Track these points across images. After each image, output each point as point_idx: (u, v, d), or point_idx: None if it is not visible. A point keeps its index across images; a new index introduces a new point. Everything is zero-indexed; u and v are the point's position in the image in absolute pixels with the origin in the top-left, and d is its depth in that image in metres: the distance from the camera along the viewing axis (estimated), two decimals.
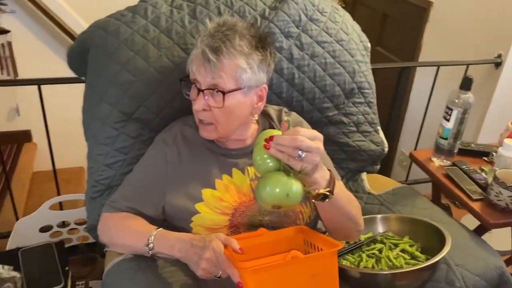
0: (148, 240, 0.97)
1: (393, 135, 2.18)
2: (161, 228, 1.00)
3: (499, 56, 1.99)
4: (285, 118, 0.84)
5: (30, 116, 2.75)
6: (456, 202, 2.22)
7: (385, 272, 1.03)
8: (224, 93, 0.98)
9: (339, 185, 0.98)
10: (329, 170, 0.92)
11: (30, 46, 2.67)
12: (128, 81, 1.13)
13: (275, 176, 0.83)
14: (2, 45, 2.58)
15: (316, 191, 0.88)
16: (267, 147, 0.82)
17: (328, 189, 0.89)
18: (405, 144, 2.75)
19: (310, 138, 0.82)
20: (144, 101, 1.14)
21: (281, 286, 0.80)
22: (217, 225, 1.03)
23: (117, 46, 1.14)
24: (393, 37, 2.83)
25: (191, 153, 1.08)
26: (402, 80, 1.94)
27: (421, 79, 2.57)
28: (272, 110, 1.17)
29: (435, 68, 1.97)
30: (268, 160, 0.84)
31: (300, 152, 0.80)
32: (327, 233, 1.10)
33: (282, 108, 1.20)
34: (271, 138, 0.82)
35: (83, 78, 1.33)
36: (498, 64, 1.99)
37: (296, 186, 0.82)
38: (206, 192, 1.05)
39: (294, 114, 1.21)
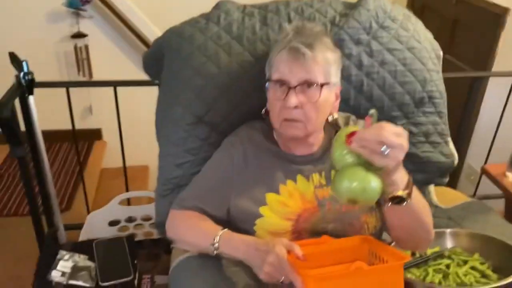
0: (214, 240, 1.00)
1: (461, 147, 2.08)
2: (226, 229, 1.02)
3: None
4: (371, 111, 0.82)
5: (101, 115, 2.91)
6: None
7: None
8: (322, 85, 1.00)
9: (415, 190, 0.95)
10: (408, 173, 0.89)
11: (105, 49, 2.83)
12: (200, 85, 1.17)
13: (354, 170, 0.81)
14: (80, 48, 2.75)
15: (394, 193, 0.86)
16: (349, 142, 0.80)
17: (407, 191, 0.86)
18: (473, 158, 2.62)
19: (395, 134, 0.79)
20: (214, 105, 1.18)
21: None
22: (281, 230, 1.04)
23: (191, 51, 1.18)
24: (464, 45, 2.70)
25: (257, 157, 1.10)
26: (474, 90, 1.86)
27: (494, 90, 2.44)
28: (340, 117, 1.17)
29: (510, 79, 1.87)
30: (347, 156, 0.82)
31: (384, 148, 0.78)
32: (393, 243, 1.07)
33: (350, 116, 1.19)
34: (353, 133, 0.80)
35: (156, 81, 1.40)
36: None
37: (374, 182, 0.80)
38: (270, 197, 1.06)
39: (361, 122, 1.20)
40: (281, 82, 1.01)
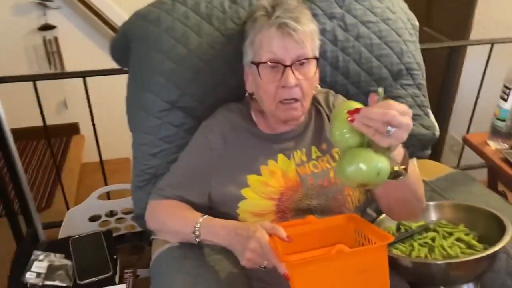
0: (195, 227, 0.97)
1: (442, 119, 2.08)
2: (206, 215, 0.99)
3: None
4: (379, 90, 0.77)
5: (77, 109, 2.84)
6: None
7: (439, 262, 0.97)
8: (317, 59, 0.99)
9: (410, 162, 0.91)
10: (403, 147, 0.86)
11: (76, 41, 2.74)
12: (171, 69, 1.12)
13: (363, 152, 0.76)
14: (49, 40, 2.66)
15: (393, 168, 0.81)
16: (352, 119, 0.74)
17: (404, 166, 0.83)
18: (455, 128, 2.63)
19: (402, 113, 0.75)
20: (187, 89, 1.14)
21: (327, 280, 0.77)
22: (264, 210, 1.02)
23: (159, 34, 1.13)
24: (442, 16, 2.69)
25: (236, 139, 1.07)
26: (452, 60, 1.84)
27: (472, 59, 2.43)
28: (319, 93, 1.14)
29: (488, 47, 1.85)
30: (348, 135, 0.77)
31: (389, 127, 0.73)
32: (378, 218, 1.06)
33: (329, 91, 1.17)
34: (356, 110, 0.74)
35: (126, 68, 1.35)
36: None
37: (386, 164, 0.75)
38: (251, 178, 1.04)
39: (340, 96, 1.17)
40: (274, 63, 0.98)
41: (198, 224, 0.98)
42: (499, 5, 2.21)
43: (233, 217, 1.03)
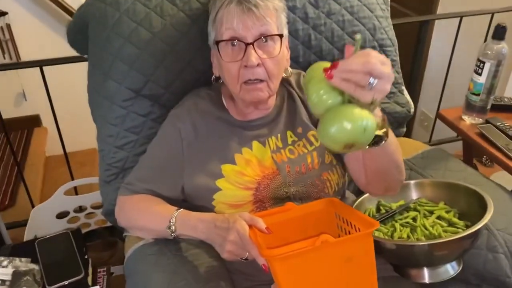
0: (170, 222, 0.93)
1: (413, 95, 2.07)
2: (182, 209, 0.94)
3: None
4: (357, 36, 0.69)
5: (37, 100, 2.70)
6: (484, 159, 2.13)
7: (422, 243, 0.95)
8: (281, 36, 0.93)
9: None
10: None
11: (30, 27, 2.59)
12: (133, 55, 1.05)
13: (345, 109, 0.69)
14: (1, 28, 2.50)
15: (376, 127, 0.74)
16: (329, 76, 0.67)
17: (384, 130, 0.77)
18: (425, 104, 2.64)
19: (382, 62, 0.67)
20: (151, 75, 1.06)
21: (312, 272, 0.73)
22: (241, 201, 0.97)
23: (118, 17, 1.05)
24: None
25: (207, 127, 1.02)
26: (422, 35, 1.83)
27: (440, 34, 2.43)
28: (291, 75, 1.09)
29: (455, 20, 1.84)
30: (326, 96, 0.70)
31: (371, 79, 0.66)
32: (361, 198, 1.05)
33: (301, 72, 1.12)
34: (333, 65, 0.67)
35: (86, 56, 1.26)
36: None
37: (371, 119, 0.68)
38: (226, 168, 0.99)
39: None
40: (235, 40, 0.91)
41: (173, 219, 0.93)
42: None
43: (209, 209, 0.98)
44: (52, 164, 2.72)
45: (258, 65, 0.91)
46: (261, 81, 0.94)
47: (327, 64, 0.69)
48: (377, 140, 0.76)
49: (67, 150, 1.72)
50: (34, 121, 2.83)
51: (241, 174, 0.98)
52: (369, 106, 0.69)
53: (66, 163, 1.73)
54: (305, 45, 1.20)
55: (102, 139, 1.12)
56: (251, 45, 0.91)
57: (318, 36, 1.20)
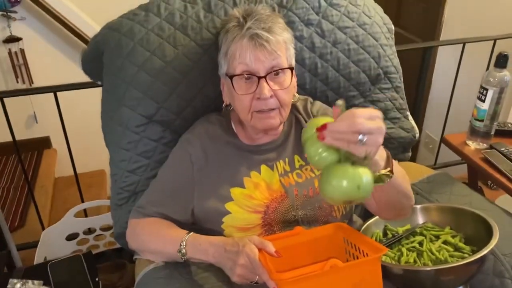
0: (180, 245, 0.94)
1: (417, 118, 2.10)
2: (192, 232, 0.96)
3: None
4: (339, 102, 0.74)
5: (48, 122, 2.75)
6: (489, 183, 2.14)
7: (429, 268, 0.97)
8: (292, 69, 0.98)
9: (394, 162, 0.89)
10: (384, 148, 0.83)
11: (43, 52, 2.66)
12: (146, 82, 1.09)
13: (339, 168, 0.73)
14: (15, 53, 2.56)
15: (377, 173, 0.79)
16: (322, 137, 0.72)
17: (389, 169, 0.80)
18: (430, 126, 2.67)
19: (370, 118, 0.71)
20: (164, 102, 1.10)
21: None
22: (250, 224, 0.99)
23: (132, 46, 1.09)
24: (412, 16, 2.73)
25: (217, 152, 1.05)
26: (426, 60, 1.86)
27: (443, 59, 2.48)
28: (299, 101, 1.13)
29: (459, 46, 1.88)
30: (325, 153, 0.74)
31: (361, 136, 0.70)
32: (368, 222, 1.06)
33: (307, 98, 1.15)
34: (323, 126, 0.72)
35: (99, 82, 1.30)
36: None
37: (366, 176, 0.72)
38: (235, 191, 1.01)
39: (318, 102, 1.16)
40: (248, 74, 0.95)
41: (184, 242, 0.94)
42: (467, 5, 2.26)
43: (218, 233, 1.00)
44: (61, 185, 2.75)
45: (270, 96, 0.95)
46: (273, 109, 0.97)
47: (320, 121, 0.74)
48: (382, 179, 0.80)
49: (77, 171, 1.74)
50: (44, 143, 2.87)
51: (250, 198, 1.00)
52: (365, 159, 0.73)
53: (74, 184, 1.75)
54: (312, 72, 1.23)
55: (115, 164, 1.15)
56: (264, 79, 0.94)
57: (325, 64, 1.23)
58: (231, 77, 0.97)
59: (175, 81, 1.10)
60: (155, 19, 1.13)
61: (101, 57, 1.16)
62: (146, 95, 1.09)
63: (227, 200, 1.00)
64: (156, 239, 1.01)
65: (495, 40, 1.87)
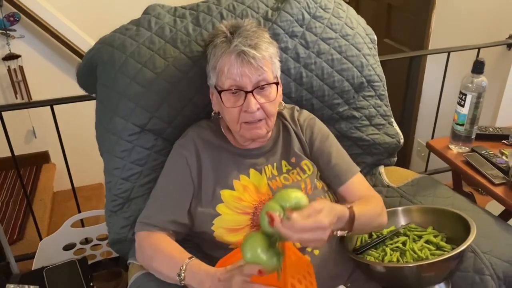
0: (180, 269, 0.94)
1: (408, 126, 2.15)
2: (193, 259, 0.96)
3: (511, 36, 1.95)
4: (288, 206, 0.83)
5: (46, 137, 2.80)
6: (480, 189, 2.18)
7: (410, 265, 1.01)
8: (277, 84, 1.03)
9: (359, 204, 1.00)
10: (348, 207, 0.94)
11: (41, 68, 2.72)
12: (138, 93, 1.13)
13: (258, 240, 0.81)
14: (14, 70, 2.62)
15: (335, 233, 0.93)
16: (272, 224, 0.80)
17: (346, 231, 0.94)
18: (422, 135, 2.71)
19: (311, 230, 0.79)
20: (155, 112, 1.15)
21: None
22: (239, 225, 1.03)
23: (125, 59, 1.15)
24: (401, 28, 2.79)
25: (208, 155, 1.09)
26: (412, 70, 1.92)
27: (433, 67, 2.53)
28: (285, 109, 1.18)
29: (446, 55, 1.94)
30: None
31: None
32: None
33: (294, 107, 1.20)
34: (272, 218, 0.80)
35: (94, 95, 1.35)
36: (510, 45, 1.95)
37: (274, 259, 0.81)
38: (225, 193, 1.05)
39: (305, 112, 1.21)
40: (236, 89, 1.00)
41: (184, 267, 0.94)
42: (453, 17, 2.32)
43: (209, 234, 1.04)
44: (60, 199, 2.78)
45: (257, 109, 1.00)
46: (260, 120, 1.03)
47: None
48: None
49: (74, 185, 1.78)
50: (43, 158, 2.92)
51: (239, 200, 1.04)
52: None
53: (72, 198, 1.79)
54: (297, 82, 1.28)
55: (109, 172, 1.19)
56: (251, 93, 0.99)
57: (309, 73, 1.29)
58: (219, 92, 1.02)
59: (166, 91, 1.15)
60: (146, 33, 1.18)
61: (95, 71, 1.21)
62: (138, 105, 1.14)
63: (218, 202, 1.04)
64: (159, 259, 1.01)
65: (479, 49, 1.93)
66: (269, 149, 1.13)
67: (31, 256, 1.76)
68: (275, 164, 1.11)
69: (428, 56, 2.47)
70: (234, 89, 1.00)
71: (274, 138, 1.15)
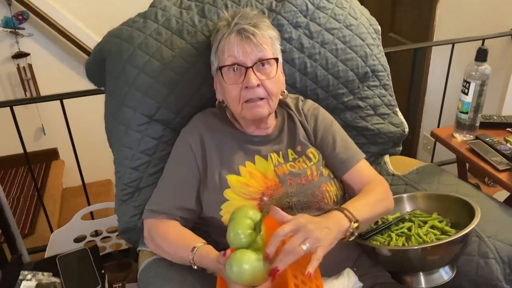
0: (189, 256, 0.97)
1: (414, 119, 2.16)
2: (201, 245, 0.98)
3: None
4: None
5: (55, 134, 2.84)
6: (486, 180, 2.19)
7: (415, 247, 1.02)
8: (277, 60, 1.05)
9: (360, 204, 1.01)
10: (346, 214, 0.95)
11: (50, 66, 2.76)
12: (147, 83, 1.16)
13: (245, 255, 0.83)
14: (24, 68, 2.66)
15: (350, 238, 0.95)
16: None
17: (351, 238, 0.94)
18: (427, 127, 2.72)
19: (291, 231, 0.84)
20: (163, 102, 1.17)
21: None
22: None
23: (133, 51, 1.17)
24: (405, 21, 2.80)
25: (214, 140, 1.11)
26: (416, 61, 1.93)
27: (438, 59, 2.54)
28: (289, 99, 1.19)
29: (450, 47, 1.95)
30: (242, 236, 0.85)
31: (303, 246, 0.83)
32: None
33: (299, 97, 1.22)
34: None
35: (103, 88, 1.38)
36: None
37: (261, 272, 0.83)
38: (231, 178, 1.06)
39: (309, 101, 1.22)
40: (236, 65, 1.03)
41: (195, 250, 0.97)
42: (457, 8, 2.33)
43: (217, 220, 1.05)
44: (69, 196, 2.82)
45: (258, 85, 1.02)
46: (261, 99, 1.04)
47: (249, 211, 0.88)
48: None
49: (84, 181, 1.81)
50: (52, 155, 2.96)
51: (246, 185, 1.06)
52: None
53: (81, 194, 1.82)
54: (302, 72, 1.30)
55: (119, 162, 1.21)
56: (251, 69, 1.02)
57: (314, 64, 1.30)
58: (220, 68, 1.05)
59: (174, 82, 1.17)
60: (153, 25, 1.21)
61: (103, 63, 1.24)
62: (147, 95, 1.16)
63: (225, 188, 1.06)
64: (170, 244, 1.03)
65: (483, 40, 1.94)
66: (275, 137, 1.15)
67: (43, 249, 1.79)
68: (280, 152, 1.13)
69: (433, 49, 2.47)
70: (235, 66, 1.03)
71: (280, 126, 1.16)
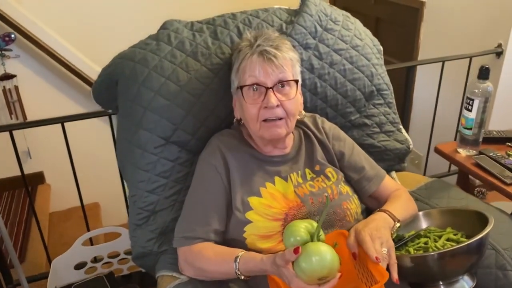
0: (234, 266, 0.96)
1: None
2: (242, 253, 0.97)
3: (499, 45, 2.05)
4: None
5: (41, 157, 2.75)
6: (476, 192, 2.24)
7: (434, 253, 1.01)
8: (297, 81, 1.08)
9: (395, 207, 1.10)
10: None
11: (37, 88, 2.70)
12: (163, 106, 1.15)
13: (314, 246, 0.86)
14: (9, 90, 2.60)
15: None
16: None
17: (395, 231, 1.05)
18: (414, 143, 2.78)
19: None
20: (180, 124, 1.17)
21: None
22: (271, 232, 1.04)
23: (148, 73, 1.16)
24: (389, 40, 2.89)
25: (236, 161, 1.10)
26: (409, 79, 1.99)
27: (422, 79, 2.62)
28: (306, 117, 1.21)
29: (435, 65, 2.02)
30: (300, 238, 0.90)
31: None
32: None
33: (315, 115, 1.24)
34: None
35: (109, 110, 1.37)
36: (499, 54, 2.05)
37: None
38: (253, 200, 1.06)
39: (325, 119, 1.25)
40: (257, 85, 1.04)
41: (238, 260, 0.96)
42: (440, 29, 2.42)
43: (241, 242, 1.05)
44: (56, 220, 2.73)
45: (277, 106, 1.04)
46: (280, 119, 1.06)
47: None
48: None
49: (71, 205, 1.77)
50: (38, 179, 2.87)
51: (268, 207, 1.06)
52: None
53: (69, 218, 1.79)
54: (312, 92, 1.32)
55: (134, 185, 1.19)
56: (271, 89, 1.03)
57: (323, 83, 1.33)
58: (241, 87, 1.06)
59: (190, 104, 1.17)
60: (167, 47, 1.21)
61: (113, 86, 1.23)
62: (163, 117, 1.15)
63: (247, 209, 1.05)
64: (212, 263, 1.01)
65: (471, 58, 2.02)
66: (292, 157, 1.15)
67: (38, 278, 1.73)
68: (299, 172, 1.13)
69: (418, 68, 2.55)
70: (255, 85, 1.04)
71: (297, 146, 1.17)
